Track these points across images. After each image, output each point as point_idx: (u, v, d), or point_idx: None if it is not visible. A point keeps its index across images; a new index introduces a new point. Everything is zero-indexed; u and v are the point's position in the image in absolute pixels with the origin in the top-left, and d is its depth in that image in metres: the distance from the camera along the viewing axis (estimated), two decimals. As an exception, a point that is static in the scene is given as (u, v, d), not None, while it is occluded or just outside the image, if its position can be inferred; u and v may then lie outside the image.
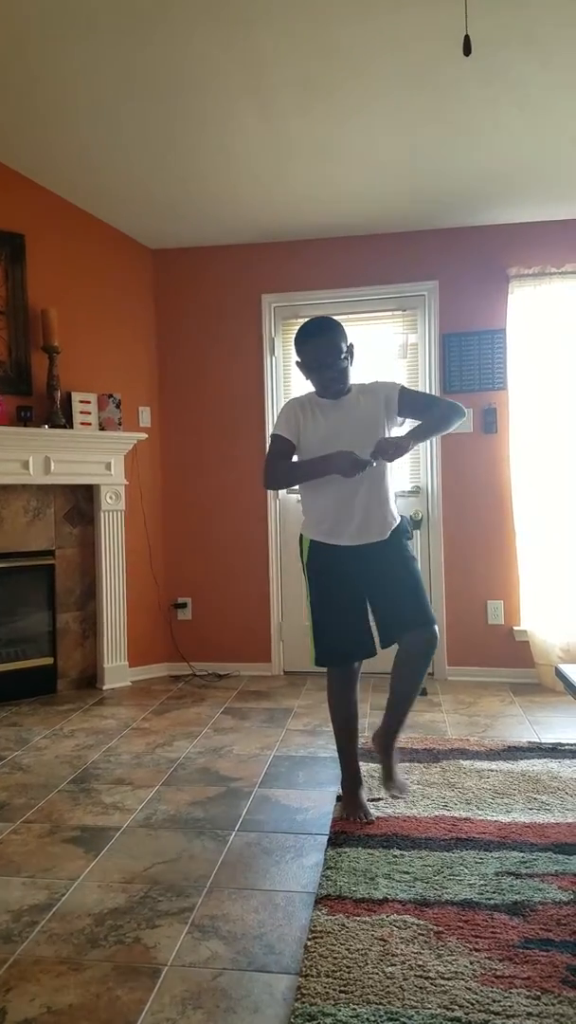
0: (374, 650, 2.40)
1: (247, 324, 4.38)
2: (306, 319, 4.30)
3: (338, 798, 2.48)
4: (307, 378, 2.44)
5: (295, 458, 2.43)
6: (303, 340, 2.40)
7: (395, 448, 2.23)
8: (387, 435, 2.37)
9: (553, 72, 2.92)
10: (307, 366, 2.40)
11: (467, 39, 2.08)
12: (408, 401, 2.42)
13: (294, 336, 2.43)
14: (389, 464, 2.37)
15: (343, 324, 2.44)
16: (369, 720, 3.31)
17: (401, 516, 2.46)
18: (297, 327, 2.44)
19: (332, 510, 2.36)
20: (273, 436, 2.45)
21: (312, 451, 2.37)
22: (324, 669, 2.46)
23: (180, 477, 4.48)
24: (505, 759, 2.83)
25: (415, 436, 2.35)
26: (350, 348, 2.41)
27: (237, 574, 4.40)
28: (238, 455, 4.40)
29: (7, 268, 3.86)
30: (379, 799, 2.47)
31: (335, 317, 4.62)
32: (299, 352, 2.42)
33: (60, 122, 3.36)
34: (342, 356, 2.36)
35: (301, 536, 2.48)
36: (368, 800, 2.43)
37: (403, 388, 2.42)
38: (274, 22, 2.68)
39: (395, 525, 2.41)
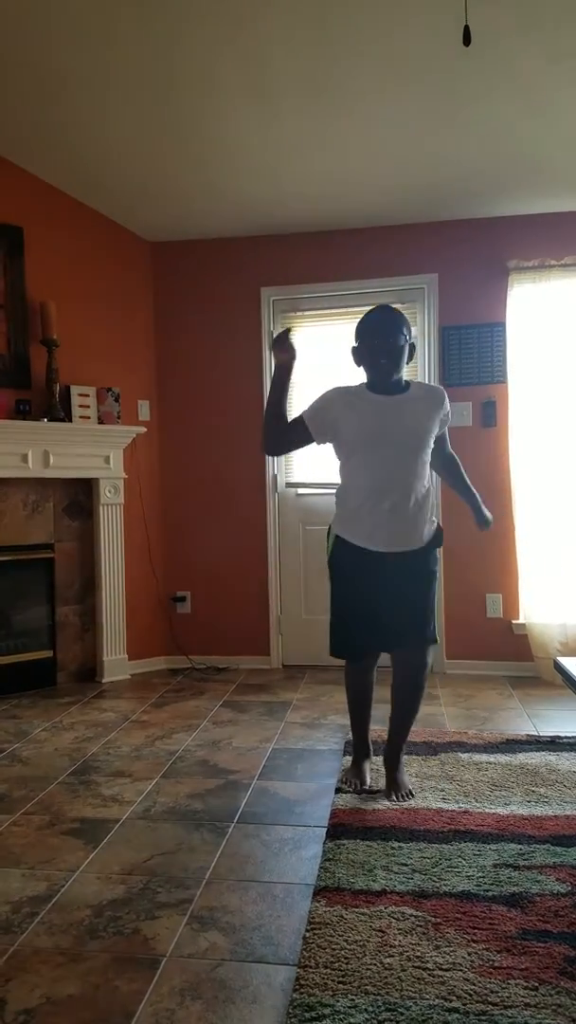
0: (376, 648, 2.51)
1: (246, 317, 4.37)
2: (305, 312, 4.39)
3: (337, 790, 2.49)
4: (359, 364, 2.39)
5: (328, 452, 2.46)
6: (363, 319, 2.38)
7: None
8: (431, 447, 2.40)
9: (554, 62, 2.90)
10: (361, 345, 2.36)
11: (467, 29, 2.07)
12: (441, 438, 2.47)
13: (359, 322, 2.39)
14: (426, 465, 2.39)
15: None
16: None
17: (436, 521, 2.44)
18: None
19: (364, 511, 2.34)
20: (298, 420, 2.39)
21: (354, 446, 2.34)
22: (338, 661, 2.57)
23: (179, 471, 4.48)
24: (503, 752, 2.83)
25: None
26: (412, 346, 2.38)
27: (236, 568, 4.40)
28: (237, 449, 4.39)
29: (6, 261, 3.84)
30: (377, 791, 2.47)
31: (334, 310, 4.60)
32: (357, 334, 2.38)
33: (59, 116, 3.34)
34: (401, 338, 2.31)
35: (330, 529, 2.48)
36: (373, 791, 2.48)
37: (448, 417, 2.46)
38: (273, 15, 2.67)
39: (430, 535, 2.41)
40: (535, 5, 2.60)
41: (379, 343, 2.32)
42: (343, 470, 2.43)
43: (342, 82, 3.04)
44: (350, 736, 2.70)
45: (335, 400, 2.37)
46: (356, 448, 2.34)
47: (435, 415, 2.38)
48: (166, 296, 4.47)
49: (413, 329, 4.54)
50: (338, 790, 2.50)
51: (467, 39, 2.08)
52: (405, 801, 2.38)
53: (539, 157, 3.56)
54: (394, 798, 2.40)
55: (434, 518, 2.44)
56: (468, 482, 2.61)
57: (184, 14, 2.67)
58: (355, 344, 2.39)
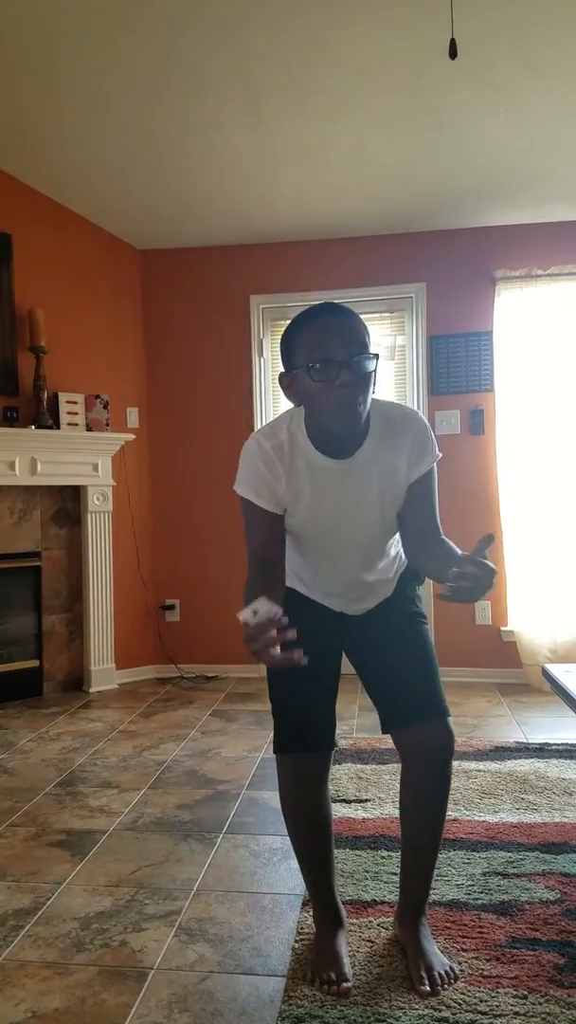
0: (333, 740, 1.68)
1: (235, 325, 4.38)
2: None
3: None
4: (298, 404, 1.51)
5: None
6: (300, 324, 1.47)
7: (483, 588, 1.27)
8: (395, 508, 1.56)
9: (539, 75, 2.93)
10: (307, 371, 1.43)
11: (453, 42, 2.09)
12: (418, 490, 1.55)
13: (284, 332, 1.51)
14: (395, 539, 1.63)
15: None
16: (357, 721, 3.32)
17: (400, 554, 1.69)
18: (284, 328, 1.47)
19: (314, 569, 1.63)
20: (243, 504, 1.54)
21: (305, 529, 1.57)
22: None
23: (168, 478, 4.47)
24: (493, 759, 2.83)
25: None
26: (376, 359, 1.45)
27: (225, 575, 4.39)
28: (226, 456, 4.39)
29: (-7, 268, 3.84)
30: (367, 800, 2.46)
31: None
32: (291, 349, 1.48)
33: (48, 122, 3.34)
34: (367, 358, 1.42)
35: None
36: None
37: (434, 468, 1.57)
38: (263, 24, 2.68)
39: (398, 574, 1.69)
40: (522, 19, 2.63)
41: (337, 371, 1.39)
42: None
43: (331, 92, 3.06)
44: (303, 890, 1.84)
45: (257, 461, 1.50)
46: (293, 532, 1.58)
47: (401, 460, 1.52)
48: (155, 303, 4.47)
49: (399, 338, 4.67)
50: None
51: (453, 52, 2.10)
52: (446, 986, 1.52)
53: (525, 168, 3.59)
54: (426, 986, 1.51)
55: (401, 552, 1.69)
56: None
57: (174, 23, 2.68)
58: (287, 372, 1.49)
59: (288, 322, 1.52)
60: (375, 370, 1.44)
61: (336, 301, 1.53)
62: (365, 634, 1.66)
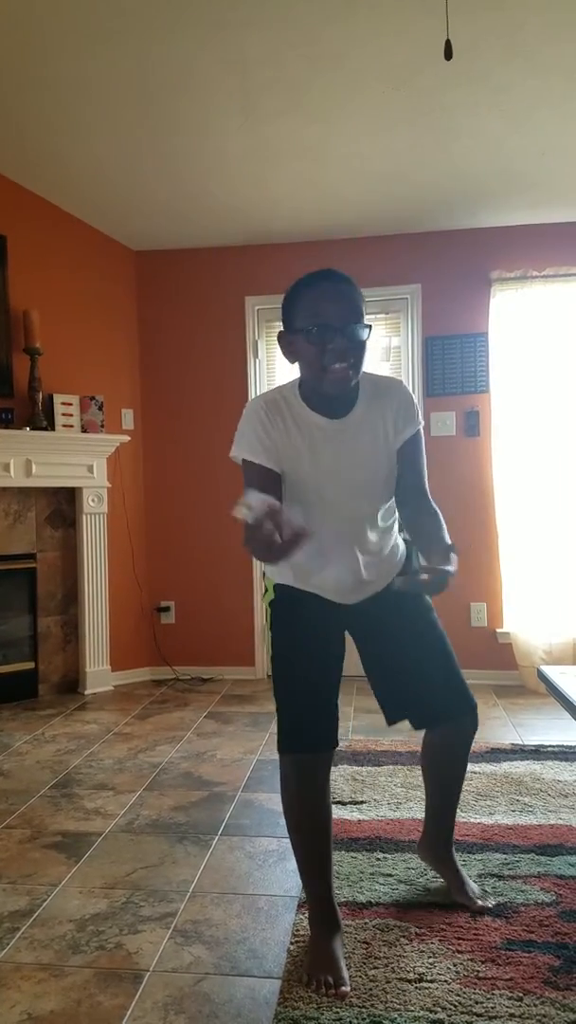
0: (336, 740, 1.70)
1: (230, 326, 4.38)
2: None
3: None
4: (294, 360, 1.60)
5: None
6: (298, 290, 1.57)
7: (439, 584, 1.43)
8: (387, 471, 1.66)
9: (534, 77, 2.94)
10: (298, 333, 1.55)
11: (448, 43, 2.10)
12: (410, 453, 1.67)
13: (287, 292, 1.61)
14: (393, 506, 1.72)
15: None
16: (353, 723, 3.32)
17: (405, 540, 1.79)
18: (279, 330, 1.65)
19: (314, 559, 1.63)
20: (245, 465, 1.62)
21: (302, 491, 1.62)
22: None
23: (163, 480, 4.46)
24: (488, 761, 2.83)
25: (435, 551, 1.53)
26: (369, 329, 1.56)
27: (221, 577, 4.39)
28: (221, 457, 4.38)
29: (-12, 269, 3.84)
30: (362, 802, 2.46)
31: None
32: (292, 310, 1.57)
33: (42, 123, 3.34)
34: (361, 327, 1.53)
35: (264, 573, 1.81)
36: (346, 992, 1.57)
37: (419, 431, 1.68)
38: (257, 24, 2.68)
39: (400, 559, 1.76)
40: (517, 22, 2.64)
41: (330, 324, 1.50)
42: None
43: (325, 92, 3.07)
44: (298, 892, 1.89)
45: (260, 416, 1.61)
46: (291, 494, 1.62)
47: (388, 422, 1.64)
48: (150, 305, 4.47)
49: (394, 339, 4.66)
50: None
51: (448, 53, 2.10)
52: (484, 903, 1.83)
53: (521, 169, 3.60)
54: (485, 902, 1.83)
55: (401, 540, 1.80)
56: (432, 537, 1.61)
57: (167, 22, 2.68)
58: (287, 332, 1.60)
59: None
60: (367, 339, 1.55)
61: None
62: (375, 624, 1.73)
